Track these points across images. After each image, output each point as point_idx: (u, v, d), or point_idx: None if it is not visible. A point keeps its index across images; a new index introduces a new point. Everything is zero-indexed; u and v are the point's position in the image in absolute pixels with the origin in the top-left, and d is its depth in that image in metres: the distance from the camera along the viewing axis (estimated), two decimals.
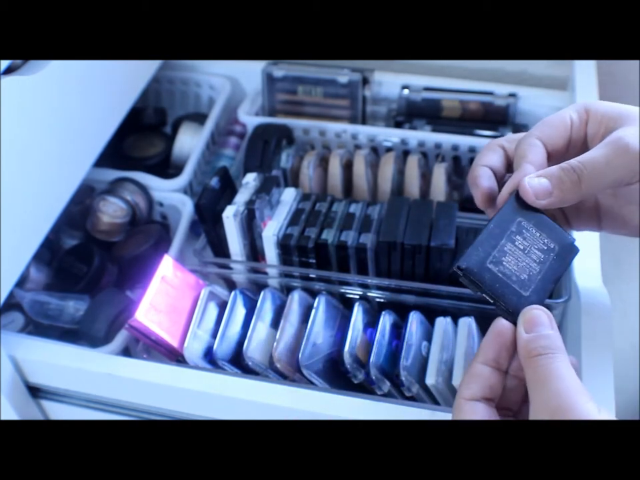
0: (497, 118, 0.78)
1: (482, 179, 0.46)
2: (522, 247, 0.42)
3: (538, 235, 0.43)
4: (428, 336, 0.57)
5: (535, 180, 0.43)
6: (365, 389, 0.55)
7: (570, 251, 0.43)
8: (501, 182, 0.47)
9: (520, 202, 0.43)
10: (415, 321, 0.57)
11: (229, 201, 0.63)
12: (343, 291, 0.62)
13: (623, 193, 0.46)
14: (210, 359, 0.57)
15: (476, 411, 0.40)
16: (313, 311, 0.57)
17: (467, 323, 0.57)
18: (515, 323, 0.40)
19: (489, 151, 0.48)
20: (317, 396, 0.53)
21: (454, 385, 0.53)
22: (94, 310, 0.63)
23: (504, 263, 0.41)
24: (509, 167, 0.48)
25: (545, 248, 0.43)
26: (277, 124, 0.77)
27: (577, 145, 0.46)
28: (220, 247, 0.65)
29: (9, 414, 0.59)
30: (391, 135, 0.76)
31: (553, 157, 0.45)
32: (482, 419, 0.39)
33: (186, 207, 0.73)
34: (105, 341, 0.61)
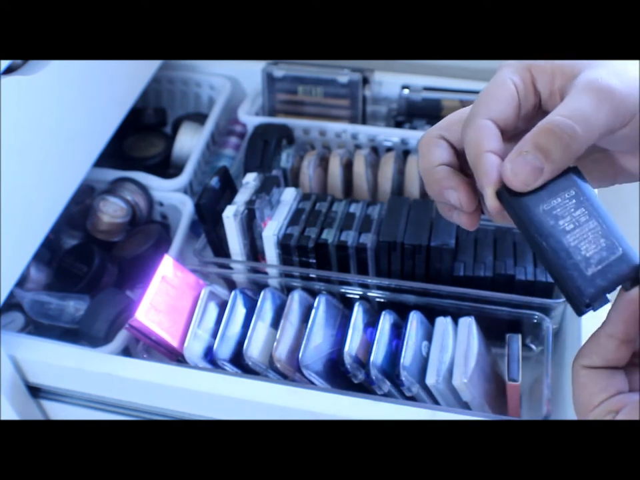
0: None
1: (451, 179, 0.38)
2: (573, 226, 0.37)
3: (560, 200, 0.37)
4: (428, 336, 0.57)
5: (518, 163, 0.35)
6: (365, 388, 0.55)
7: (576, 174, 0.38)
8: None
9: (514, 193, 0.37)
10: (415, 320, 0.57)
11: (229, 201, 0.63)
12: (343, 290, 0.62)
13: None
14: (210, 358, 0.57)
15: (594, 378, 0.36)
16: (313, 310, 0.57)
17: (467, 323, 0.57)
18: None
19: (431, 147, 0.39)
20: (317, 396, 0.53)
21: (454, 385, 0.53)
22: (94, 310, 0.63)
23: (589, 254, 0.37)
24: (459, 158, 0.39)
25: (574, 202, 0.37)
26: (277, 124, 0.77)
27: (529, 111, 0.38)
28: (220, 247, 0.65)
29: (9, 414, 0.59)
30: (391, 135, 0.76)
31: (504, 134, 0.37)
32: (600, 387, 0.36)
33: (186, 207, 0.73)
34: (105, 341, 0.61)
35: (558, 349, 0.59)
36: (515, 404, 0.54)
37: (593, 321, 0.52)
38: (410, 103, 0.79)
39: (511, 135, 0.38)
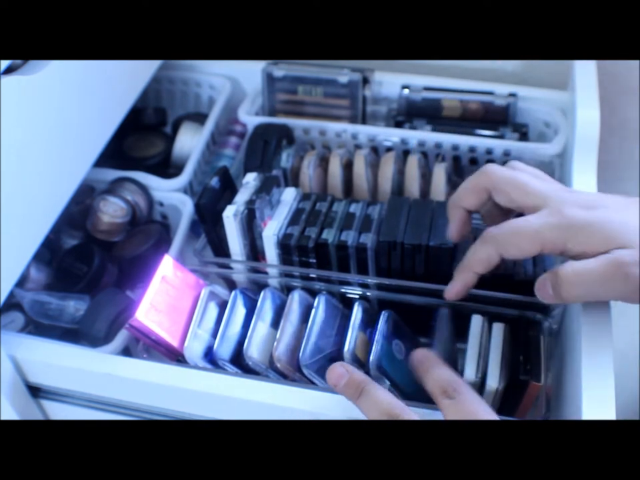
0: (497, 118, 0.78)
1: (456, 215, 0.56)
2: None
3: None
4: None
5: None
6: None
7: None
8: None
9: None
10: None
11: (229, 201, 0.63)
12: (343, 290, 0.62)
13: None
14: (210, 358, 0.57)
15: None
16: (313, 310, 0.57)
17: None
18: None
19: (470, 192, 0.54)
20: (316, 396, 0.53)
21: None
22: (94, 310, 0.63)
23: None
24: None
25: None
26: (277, 124, 0.77)
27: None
28: (220, 247, 0.65)
29: (9, 414, 0.59)
30: (390, 135, 0.76)
31: None
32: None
33: (186, 207, 0.73)
34: (105, 341, 0.61)
35: (558, 348, 0.59)
36: (529, 404, 0.53)
37: (593, 321, 0.52)
38: (410, 102, 0.79)
39: None
